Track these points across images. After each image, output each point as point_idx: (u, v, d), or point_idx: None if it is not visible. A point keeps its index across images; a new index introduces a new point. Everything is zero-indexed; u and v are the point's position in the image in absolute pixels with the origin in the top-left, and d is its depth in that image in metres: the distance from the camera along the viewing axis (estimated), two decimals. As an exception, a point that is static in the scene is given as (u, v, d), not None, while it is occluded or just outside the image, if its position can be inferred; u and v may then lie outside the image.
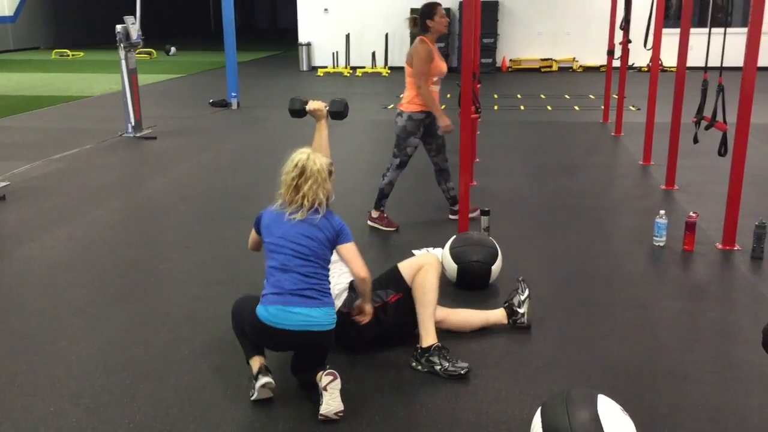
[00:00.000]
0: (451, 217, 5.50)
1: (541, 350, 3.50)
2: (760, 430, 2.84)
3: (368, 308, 3.14)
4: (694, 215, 4.82)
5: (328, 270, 3.11)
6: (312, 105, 3.77)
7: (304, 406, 2.97)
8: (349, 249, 3.07)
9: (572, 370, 3.32)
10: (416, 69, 5.01)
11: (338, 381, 2.85)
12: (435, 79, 5.08)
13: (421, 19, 5.09)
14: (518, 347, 3.52)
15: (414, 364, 3.30)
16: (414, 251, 4.17)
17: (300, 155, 3.05)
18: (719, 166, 5.89)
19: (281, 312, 2.91)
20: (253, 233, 3.23)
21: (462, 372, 3.20)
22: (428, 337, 3.29)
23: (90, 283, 4.34)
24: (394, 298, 3.40)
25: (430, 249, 4.30)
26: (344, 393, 2.91)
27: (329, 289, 3.08)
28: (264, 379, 2.94)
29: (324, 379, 2.85)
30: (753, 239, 4.68)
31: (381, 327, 3.37)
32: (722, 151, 5.03)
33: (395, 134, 5.20)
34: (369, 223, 5.35)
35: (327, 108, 3.77)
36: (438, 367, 3.22)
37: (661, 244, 4.87)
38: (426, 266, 3.40)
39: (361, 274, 3.04)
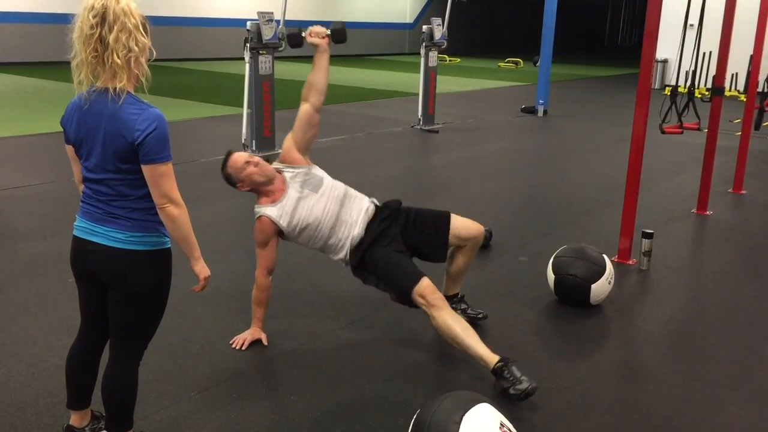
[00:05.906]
0: None
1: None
2: None
3: (200, 270, 2.30)
4: None
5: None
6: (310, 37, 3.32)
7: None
8: (158, 171, 2.07)
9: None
10: None
11: None
12: None
13: None
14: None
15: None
16: None
17: None
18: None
19: (86, 226, 2.23)
20: (68, 149, 2.26)
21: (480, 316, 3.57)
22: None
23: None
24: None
25: None
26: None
27: (146, 208, 2.17)
28: None
29: None
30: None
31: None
32: None
33: None
34: None
35: (328, 33, 3.33)
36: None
37: None
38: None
39: (169, 209, 2.11)
